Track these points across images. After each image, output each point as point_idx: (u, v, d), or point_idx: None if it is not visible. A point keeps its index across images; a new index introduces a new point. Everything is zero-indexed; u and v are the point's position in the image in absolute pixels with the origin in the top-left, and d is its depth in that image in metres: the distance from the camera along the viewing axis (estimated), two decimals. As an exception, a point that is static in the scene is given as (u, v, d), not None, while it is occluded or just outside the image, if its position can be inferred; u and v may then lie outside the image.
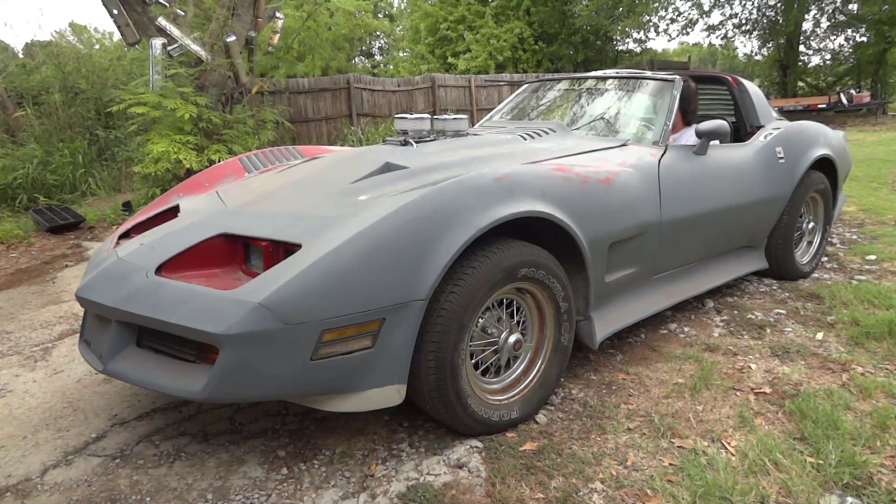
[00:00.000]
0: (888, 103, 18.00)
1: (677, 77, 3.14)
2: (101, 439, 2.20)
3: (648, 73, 3.33)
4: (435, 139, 2.78)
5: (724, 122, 2.85)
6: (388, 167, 2.39)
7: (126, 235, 2.52)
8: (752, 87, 3.68)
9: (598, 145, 2.80)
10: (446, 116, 2.88)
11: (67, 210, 6.49)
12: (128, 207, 6.71)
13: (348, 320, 1.73)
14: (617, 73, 3.44)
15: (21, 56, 11.70)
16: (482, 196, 1.94)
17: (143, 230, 2.46)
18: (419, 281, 1.79)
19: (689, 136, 3.18)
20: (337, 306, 1.71)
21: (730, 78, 3.69)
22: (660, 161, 2.69)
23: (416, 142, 2.70)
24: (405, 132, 2.79)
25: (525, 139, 2.88)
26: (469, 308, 1.90)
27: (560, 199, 2.15)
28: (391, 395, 1.87)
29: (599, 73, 3.61)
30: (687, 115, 3.30)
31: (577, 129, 3.14)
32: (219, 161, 6.36)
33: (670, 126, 2.93)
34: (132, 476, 1.97)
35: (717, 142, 3.02)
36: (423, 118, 2.78)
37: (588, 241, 2.23)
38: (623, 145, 2.83)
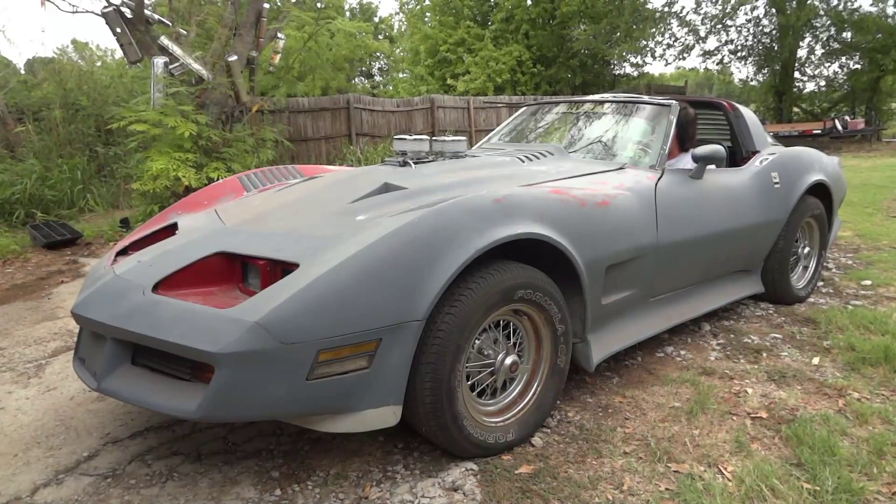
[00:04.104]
0: (882, 130, 18.18)
1: (674, 102, 3.17)
2: (93, 458, 2.18)
3: (645, 98, 3.37)
4: (434, 160, 2.80)
5: (721, 147, 2.87)
6: (386, 188, 2.40)
7: (124, 252, 2.52)
8: (748, 113, 3.72)
9: (596, 168, 2.82)
10: (445, 138, 2.90)
11: (65, 226, 6.48)
12: (125, 224, 6.71)
13: (344, 340, 1.72)
14: (614, 97, 3.48)
15: (23, 72, 11.78)
16: (480, 218, 1.95)
17: (141, 247, 2.46)
18: (416, 302, 1.79)
19: (685, 161, 3.21)
20: (333, 326, 1.70)
21: (726, 103, 3.73)
22: (657, 185, 2.71)
23: (415, 163, 2.72)
24: (404, 153, 2.81)
25: (523, 161, 2.90)
26: (466, 330, 1.90)
27: (557, 221, 2.16)
28: (387, 416, 1.86)
29: (597, 96, 3.64)
30: (684, 141, 3.33)
31: (575, 151, 3.16)
32: (217, 179, 6.38)
33: (667, 150, 2.96)
34: (124, 496, 1.95)
35: (713, 166, 3.05)
36: (421, 139, 2.81)
37: (585, 264, 2.24)
38: (620, 168, 2.85)
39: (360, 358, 1.77)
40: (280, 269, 1.93)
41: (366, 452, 2.16)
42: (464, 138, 2.97)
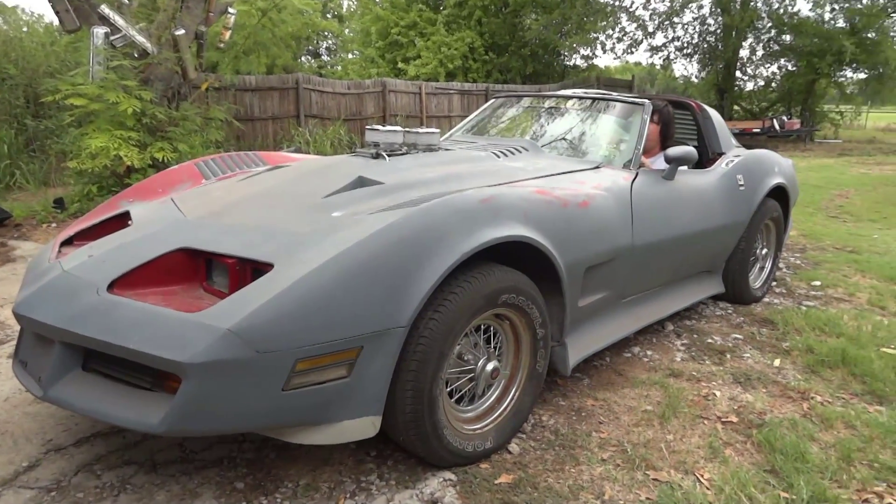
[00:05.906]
0: (816, 131, 19.01)
1: (647, 101, 3.15)
2: (34, 468, 1.99)
3: (616, 95, 3.33)
4: (407, 153, 2.68)
5: (693, 149, 2.87)
6: (361, 181, 2.27)
7: (68, 243, 2.31)
8: (715, 114, 3.75)
9: (572, 167, 2.77)
10: (419, 130, 2.79)
11: (-9, 204, 6.02)
12: (59, 204, 6.29)
13: (324, 348, 1.61)
14: (585, 93, 3.43)
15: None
16: (467, 218, 1.86)
17: (89, 238, 2.26)
18: (400, 307, 1.69)
19: (660, 161, 3.20)
20: (313, 333, 1.59)
21: (694, 104, 3.74)
22: (632, 185, 2.68)
23: (389, 155, 2.59)
24: (377, 144, 2.68)
25: (498, 157, 2.82)
26: (450, 336, 1.81)
27: (541, 222, 2.09)
28: (366, 427, 1.76)
29: (568, 92, 3.59)
30: (666, 139, 3.31)
31: (546, 147, 3.10)
32: (162, 160, 6.05)
33: (641, 150, 2.93)
34: (72, 513, 1.78)
35: (685, 167, 3.04)
36: (395, 131, 2.68)
37: (566, 266, 2.18)
38: (596, 167, 2.81)
39: (340, 367, 1.66)
40: (250, 268, 1.80)
41: (336, 461, 2.05)
42: (437, 130, 2.86)
